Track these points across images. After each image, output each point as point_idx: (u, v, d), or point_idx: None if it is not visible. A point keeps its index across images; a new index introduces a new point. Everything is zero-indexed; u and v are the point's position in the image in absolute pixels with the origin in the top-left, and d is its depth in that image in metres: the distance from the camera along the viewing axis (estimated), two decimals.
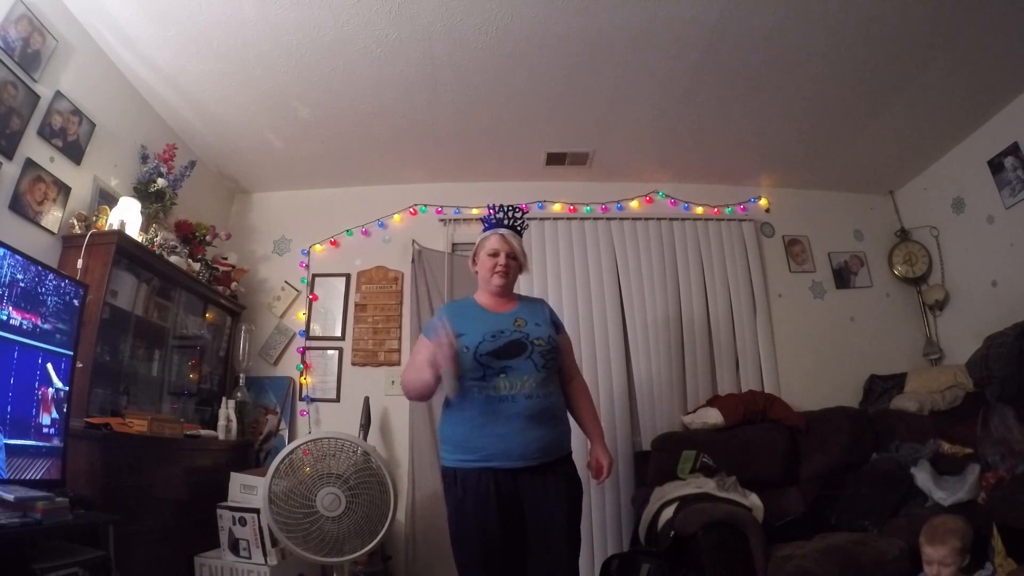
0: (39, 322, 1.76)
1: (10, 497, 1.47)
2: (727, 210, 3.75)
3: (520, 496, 1.64)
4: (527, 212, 1.92)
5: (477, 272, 1.92)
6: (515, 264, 1.87)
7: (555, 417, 1.73)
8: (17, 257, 1.71)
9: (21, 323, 1.69)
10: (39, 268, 1.81)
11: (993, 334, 2.89)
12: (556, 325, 1.89)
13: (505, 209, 1.91)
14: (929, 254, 3.60)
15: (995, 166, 3.09)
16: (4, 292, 1.63)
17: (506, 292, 1.88)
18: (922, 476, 2.50)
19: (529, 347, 1.70)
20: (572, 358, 1.98)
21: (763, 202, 3.82)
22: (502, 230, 1.88)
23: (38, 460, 1.71)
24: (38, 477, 1.68)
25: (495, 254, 1.84)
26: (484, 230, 1.93)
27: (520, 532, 1.65)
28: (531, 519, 1.65)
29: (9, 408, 1.64)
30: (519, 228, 1.93)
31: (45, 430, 1.77)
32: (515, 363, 1.67)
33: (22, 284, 1.70)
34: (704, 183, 3.79)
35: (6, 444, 1.62)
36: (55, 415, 1.81)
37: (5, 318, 1.63)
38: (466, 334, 1.69)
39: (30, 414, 1.73)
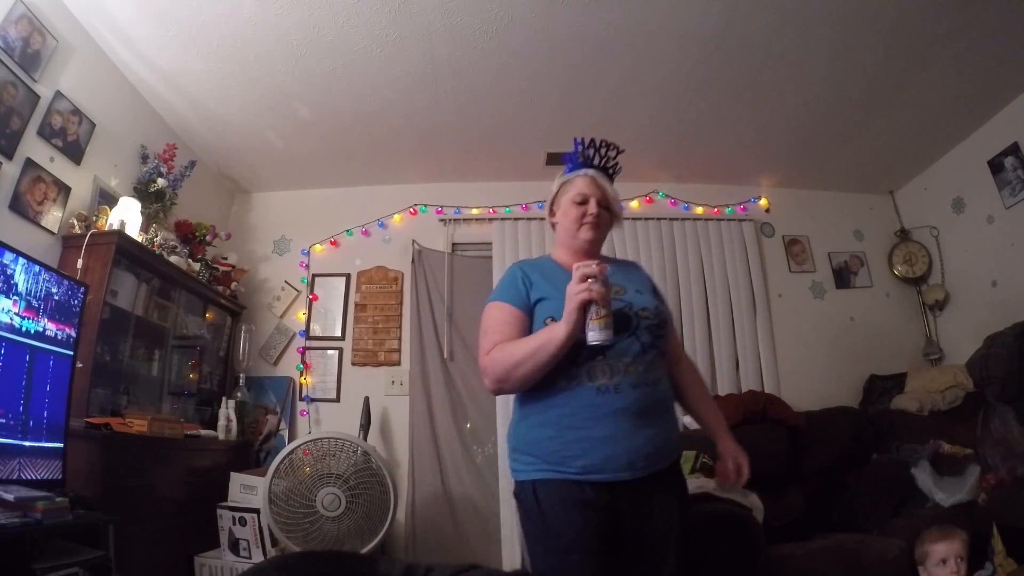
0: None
1: (10, 497, 1.47)
2: (727, 210, 3.75)
3: (620, 517, 1.25)
4: (622, 152, 1.52)
5: (555, 224, 1.53)
6: (607, 216, 1.47)
7: (667, 411, 1.35)
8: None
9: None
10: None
11: (993, 334, 2.89)
12: (659, 295, 1.49)
13: (597, 145, 1.50)
14: (929, 254, 3.60)
15: (995, 166, 3.09)
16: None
17: (595, 250, 1.48)
18: (922, 476, 2.50)
19: (634, 320, 1.32)
20: (677, 335, 1.59)
21: (763, 202, 3.82)
22: (591, 171, 1.48)
23: (47, 461, 1.75)
24: (38, 477, 1.68)
25: (583, 201, 1.44)
26: (567, 171, 1.53)
27: (618, 563, 1.26)
28: (635, 548, 1.27)
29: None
30: (612, 171, 1.52)
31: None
32: (617, 342, 1.28)
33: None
34: (704, 183, 3.79)
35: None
36: None
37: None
38: (548, 299, 1.33)
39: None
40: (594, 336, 1.18)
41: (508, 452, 1.37)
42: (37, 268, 1.75)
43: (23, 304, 1.67)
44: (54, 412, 1.77)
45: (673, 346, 1.50)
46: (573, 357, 1.26)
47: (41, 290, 1.75)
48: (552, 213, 1.54)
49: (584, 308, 1.18)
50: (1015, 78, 2.81)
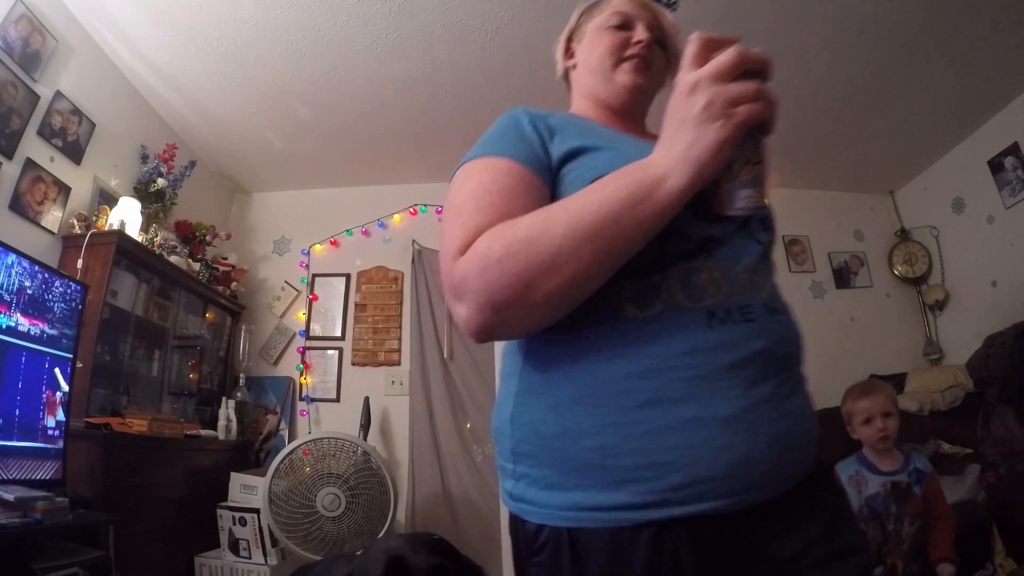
0: (46, 327, 1.80)
1: (10, 497, 1.47)
2: None
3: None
4: None
5: (573, 68, 0.95)
6: (661, 58, 0.90)
7: (799, 364, 0.70)
8: (24, 264, 1.74)
9: (29, 329, 1.73)
10: (47, 274, 1.84)
11: (993, 334, 2.89)
12: None
13: None
14: (929, 254, 3.60)
15: (995, 166, 3.09)
16: (12, 300, 1.67)
17: (640, 106, 0.91)
18: None
19: None
20: None
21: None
22: None
23: (43, 461, 1.73)
24: (39, 477, 1.68)
25: (625, 24, 0.88)
26: None
27: None
28: None
29: (17, 411, 1.68)
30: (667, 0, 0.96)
31: (50, 432, 1.80)
32: (726, 233, 0.69)
33: (29, 291, 1.75)
34: None
35: (22, 447, 1.66)
36: (60, 418, 1.83)
37: (13, 324, 1.67)
38: (596, 150, 0.73)
39: (37, 417, 1.76)
40: (747, 199, 0.59)
41: (501, 457, 0.71)
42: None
43: None
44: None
45: None
46: (656, 259, 0.64)
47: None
48: (569, 53, 0.96)
49: (736, 139, 0.57)
50: (1015, 78, 2.81)
